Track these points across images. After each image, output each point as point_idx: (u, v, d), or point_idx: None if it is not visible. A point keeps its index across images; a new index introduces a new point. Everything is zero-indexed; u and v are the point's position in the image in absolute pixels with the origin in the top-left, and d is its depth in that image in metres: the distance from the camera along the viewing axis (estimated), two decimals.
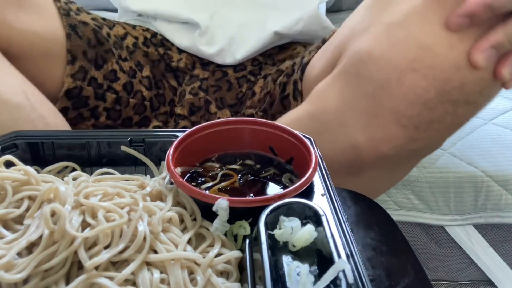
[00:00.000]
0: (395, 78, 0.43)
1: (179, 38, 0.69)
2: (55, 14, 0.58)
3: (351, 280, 0.27)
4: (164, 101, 0.68)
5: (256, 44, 0.68)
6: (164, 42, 0.70)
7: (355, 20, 0.51)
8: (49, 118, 0.52)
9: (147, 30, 0.71)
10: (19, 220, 0.34)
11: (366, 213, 0.44)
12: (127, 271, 0.31)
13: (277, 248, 0.31)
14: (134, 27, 0.70)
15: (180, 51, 0.70)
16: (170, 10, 0.68)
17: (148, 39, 0.69)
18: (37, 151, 0.43)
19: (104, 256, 0.31)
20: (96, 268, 0.31)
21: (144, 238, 0.32)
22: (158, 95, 0.67)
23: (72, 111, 0.61)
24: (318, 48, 0.60)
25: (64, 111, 0.59)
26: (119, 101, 0.62)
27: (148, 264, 0.32)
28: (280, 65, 0.69)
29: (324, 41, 0.60)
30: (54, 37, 0.57)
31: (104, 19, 0.68)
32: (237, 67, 0.69)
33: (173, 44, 0.70)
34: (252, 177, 0.42)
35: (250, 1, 0.70)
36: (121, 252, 0.32)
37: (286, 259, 0.31)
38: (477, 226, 0.80)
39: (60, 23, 0.58)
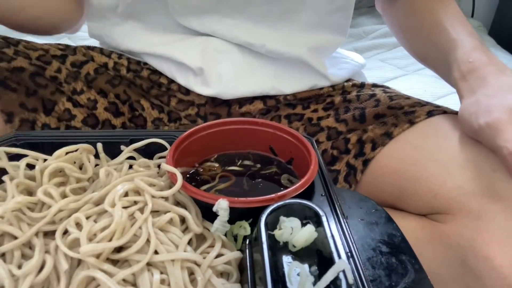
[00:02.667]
0: None
1: (171, 74, 0.62)
2: None
3: (351, 280, 0.27)
4: (145, 122, 0.61)
5: (262, 91, 0.62)
6: (151, 69, 0.64)
7: (461, 176, 0.47)
8: None
9: (128, 59, 0.64)
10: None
11: (366, 213, 0.43)
12: (128, 271, 0.31)
13: (277, 248, 0.31)
14: (109, 55, 0.64)
15: (171, 79, 0.64)
16: (158, 50, 0.61)
17: (124, 65, 0.63)
18: (37, 151, 0.43)
19: (99, 245, 0.31)
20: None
21: (148, 240, 0.32)
22: (134, 118, 0.61)
23: None
24: (383, 144, 0.55)
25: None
26: None
27: (149, 264, 0.32)
28: (307, 108, 0.63)
29: (390, 136, 0.55)
30: None
31: (65, 48, 0.62)
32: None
33: (162, 73, 0.64)
34: (252, 177, 0.42)
35: (244, 49, 0.62)
36: (122, 251, 0.32)
37: (286, 260, 0.31)
38: None
39: None
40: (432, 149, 0.51)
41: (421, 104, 0.58)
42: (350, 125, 0.58)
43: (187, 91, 0.63)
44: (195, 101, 0.63)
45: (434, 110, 0.56)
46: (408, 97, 0.61)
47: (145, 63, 0.65)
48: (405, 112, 0.57)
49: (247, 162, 0.44)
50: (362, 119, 0.58)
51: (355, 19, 1.76)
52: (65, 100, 0.57)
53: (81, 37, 1.36)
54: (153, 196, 0.36)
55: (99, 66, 0.62)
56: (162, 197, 0.37)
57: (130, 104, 0.61)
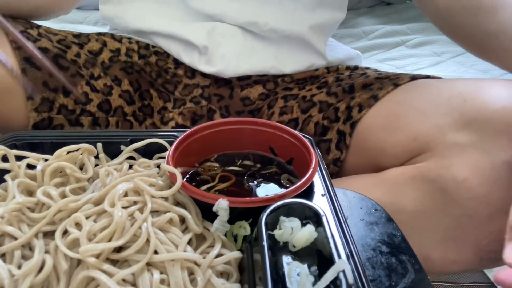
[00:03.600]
0: (486, 214, 0.43)
1: (177, 54, 0.65)
2: (8, 49, 0.55)
3: (351, 280, 0.27)
4: (152, 111, 0.64)
5: (262, 70, 0.65)
6: (159, 52, 0.67)
7: (437, 115, 0.49)
8: None
9: (137, 42, 0.67)
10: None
11: (366, 213, 0.43)
12: (128, 271, 0.31)
13: (277, 248, 0.31)
14: (120, 40, 0.66)
15: (178, 61, 0.67)
16: (166, 29, 0.64)
17: (135, 51, 0.66)
18: (37, 151, 0.43)
19: (98, 246, 0.31)
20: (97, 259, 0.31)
21: (148, 240, 0.32)
22: (143, 107, 0.63)
23: None
24: (370, 105, 0.57)
25: None
26: (97, 122, 0.59)
27: (148, 264, 0.32)
28: (303, 89, 0.65)
29: (375, 98, 0.57)
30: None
31: (79, 35, 0.64)
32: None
33: (169, 55, 0.67)
34: (252, 177, 0.42)
35: (247, 32, 0.65)
36: (122, 251, 0.32)
37: (286, 259, 0.31)
38: None
39: (14, 58, 0.55)
40: (413, 100, 0.54)
41: (405, 74, 0.61)
42: (340, 97, 0.61)
43: (193, 74, 0.66)
44: (200, 83, 0.66)
45: (417, 75, 0.59)
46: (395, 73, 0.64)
47: (153, 46, 0.67)
48: (390, 79, 0.59)
49: (247, 162, 0.44)
50: (351, 90, 0.61)
51: (355, 19, 1.76)
52: (84, 83, 0.59)
53: (87, 30, 1.37)
54: (152, 196, 0.36)
55: (113, 54, 0.64)
56: (162, 197, 0.37)
57: (140, 93, 0.63)
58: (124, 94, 0.62)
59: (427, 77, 0.59)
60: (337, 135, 0.58)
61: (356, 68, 0.68)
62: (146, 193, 0.36)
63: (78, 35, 0.64)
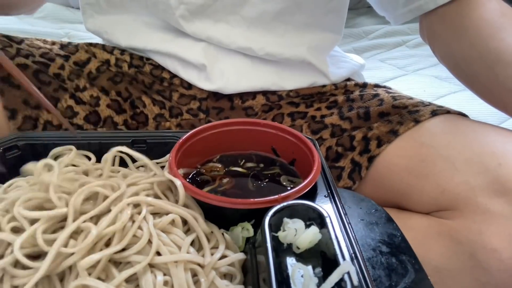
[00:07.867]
0: None
1: (174, 70, 0.62)
2: None
3: (356, 282, 0.27)
4: (146, 119, 0.62)
5: (263, 86, 0.63)
6: (154, 64, 0.64)
7: (468, 171, 0.48)
8: None
9: (130, 55, 0.64)
10: None
11: (366, 214, 0.44)
12: (130, 271, 0.31)
13: (281, 250, 0.31)
14: (111, 51, 0.64)
15: (174, 74, 0.64)
16: (161, 47, 0.61)
17: (126, 61, 0.63)
18: (39, 152, 0.43)
19: (94, 257, 0.31)
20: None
21: (150, 241, 0.32)
22: (135, 115, 0.61)
23: None
24: (389, 141, 0.55)
25: None
26: None
27: (152, 266, 0.32)
28: (311, 107, 0.63)
29: (395, 133, 0.55)
30: None
31: (67, 44, 0.62)
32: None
33: (164, 68, 0.64)
34: (255, 178, 0.42)
35: (247, 53, 0.62)
36: (124, 252, 0.32)
37: (290, 261, 0.31)
38: None
39: None
40: (439, 145, 0.52)
41: (424, 104, 0.59)
42: (354, 123, 0.59)
43: (189, 85, 0.63)
44: (196, 96, 0.63)
45: (437, 110, 0.57)
46: (410, 98, 0.61)
47: (148, 58, 0.65)
48: (409, 111, 0.57)
49: (249, 163, 0.44)
50: (366, 117, 0.59)
51: (355, 19, 1.76)
52: (68, 97, 0.58)
53: (81, 37, 1.36)
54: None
55: (101, 64, 0.62)
56: (168, 200, 0.37)
57: (131, 102, 0.62)
58: (113, 104, 0.60)
59: (447, 112, 0.57)
60: (351, 164, 0.57)
61: (365, 85, 0.65)
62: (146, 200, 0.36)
63: (66, 45, 0.62)
